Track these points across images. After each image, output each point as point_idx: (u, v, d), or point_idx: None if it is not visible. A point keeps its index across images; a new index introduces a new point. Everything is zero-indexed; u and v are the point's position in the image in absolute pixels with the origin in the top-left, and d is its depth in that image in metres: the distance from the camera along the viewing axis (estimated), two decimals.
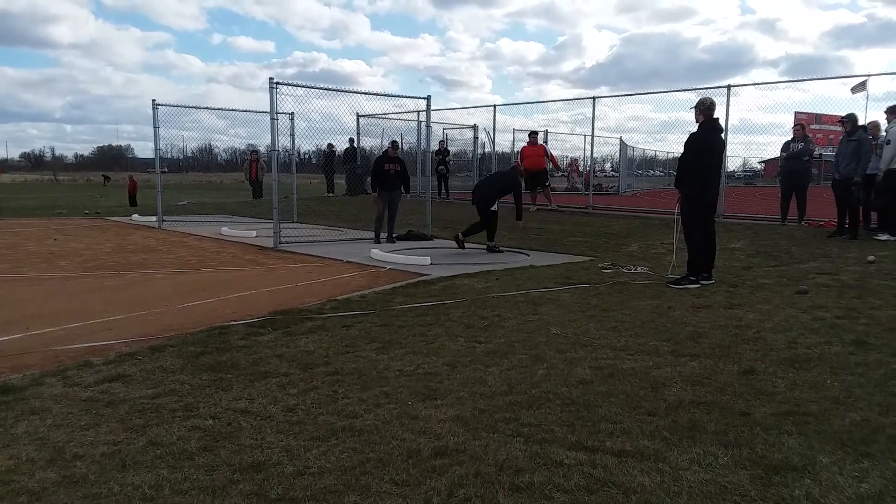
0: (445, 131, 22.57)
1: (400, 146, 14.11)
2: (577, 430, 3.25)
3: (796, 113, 22.55)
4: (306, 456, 2.99)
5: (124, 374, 4.15)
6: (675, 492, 2.63)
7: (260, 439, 3.18)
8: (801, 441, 3.10)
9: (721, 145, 7.61)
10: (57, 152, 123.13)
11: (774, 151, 15.31)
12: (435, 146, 19.15)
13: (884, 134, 9.77)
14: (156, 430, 3.29)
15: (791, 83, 35.92)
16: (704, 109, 6.92)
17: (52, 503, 2.60)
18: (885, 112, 9.66)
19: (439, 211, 14.24)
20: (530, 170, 15.91)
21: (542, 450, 3.02)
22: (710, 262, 7.17)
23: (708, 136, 6.97)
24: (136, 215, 16.50)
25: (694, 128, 7.02)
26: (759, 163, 41.12)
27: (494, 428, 3.29)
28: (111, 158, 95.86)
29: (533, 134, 16.65)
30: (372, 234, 11.43)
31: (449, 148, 22.10)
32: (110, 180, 51.61)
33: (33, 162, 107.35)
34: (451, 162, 22.00)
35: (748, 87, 17.61)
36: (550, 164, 17.27)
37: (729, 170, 15.90)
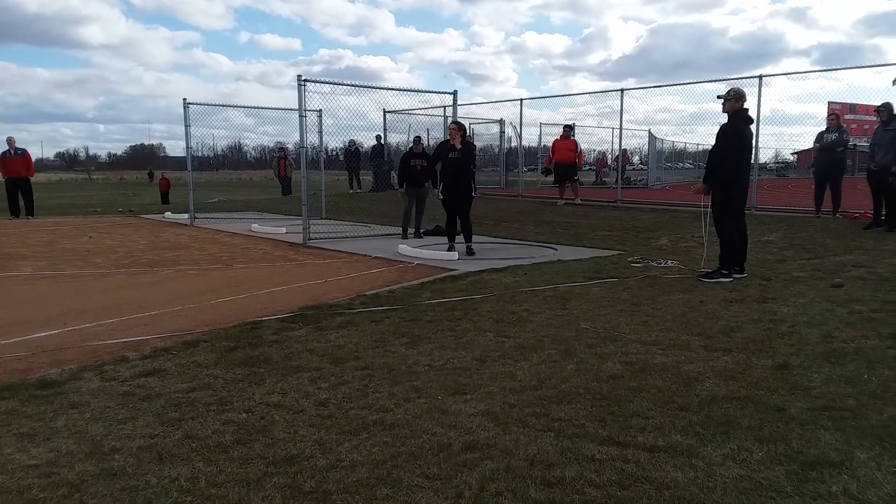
0: (472, 126, 22.57)
1: (426, 142, 14.13)
2: (608, 425, 3.23)
3: (830, 103, 22.10)
4: (338, 449, 3.02)
5: (160, 369, 4.22)
6: (709, 487, 2.60)
7: (293, 433, 3.22)
8: (837, 436, 3.05)
9: (751, 136, 7.49)
10: (91, 152, 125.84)
11: (807, 142, 14.95)
12: None
13: None
14: (191, 423, 3.35)
15: (824, 72, 35.32)
16: (741, 99, 6.81)
17: (92, 495, 2.66)
18: None
19: None
20: (560, 163, 15.83)
21: (573, 444, 3.01)
22: (742, 255, 7.06)
23: (741, 129, 6.86)
24: (169, 213, 16.77)
25: (724, 118, 6.91)
26: (791, 154, 40.33)
27: (525, 422, 3.29)
28: (144, 157, 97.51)
29: (567, 127, 16.50)
30: (399, 230, 11.47)
31: (475, 143, 22.10)
32: (153, 177, 53.26)
33: (68, 161, 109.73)
34: (477, 157, 21.99)
35: (780, 76, 17.32)
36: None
37: (761, 161, 15.61)
